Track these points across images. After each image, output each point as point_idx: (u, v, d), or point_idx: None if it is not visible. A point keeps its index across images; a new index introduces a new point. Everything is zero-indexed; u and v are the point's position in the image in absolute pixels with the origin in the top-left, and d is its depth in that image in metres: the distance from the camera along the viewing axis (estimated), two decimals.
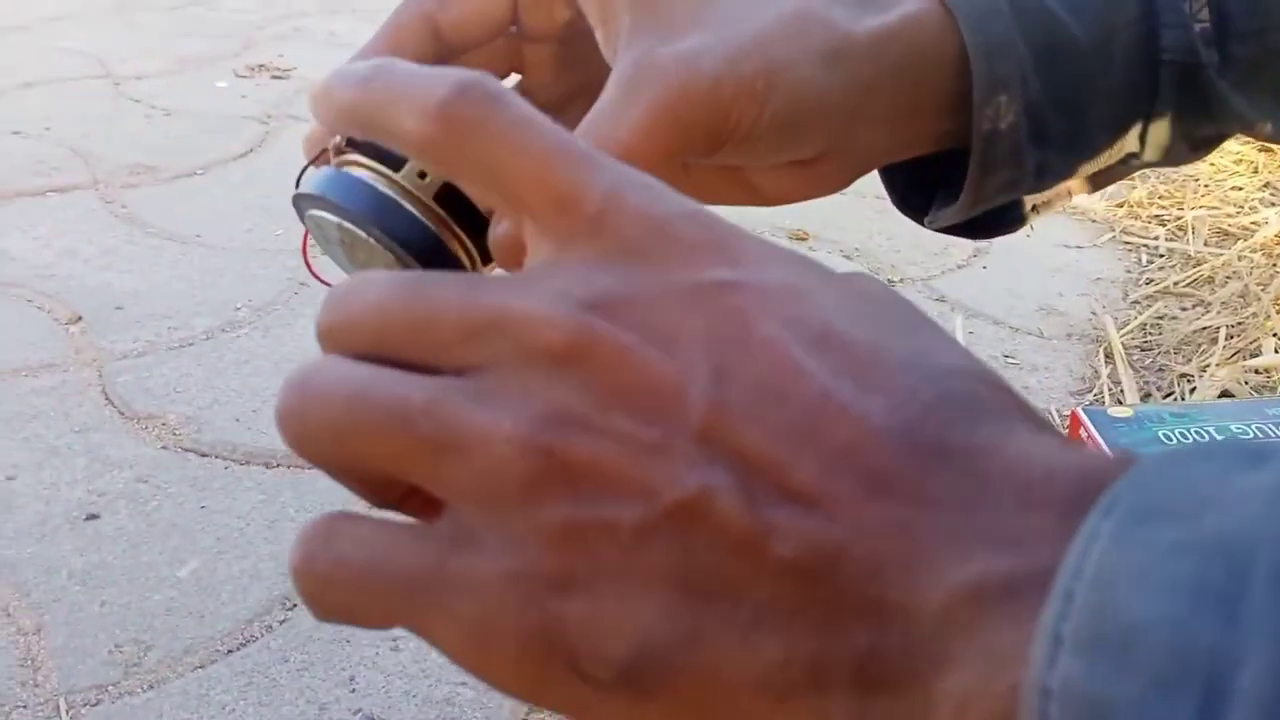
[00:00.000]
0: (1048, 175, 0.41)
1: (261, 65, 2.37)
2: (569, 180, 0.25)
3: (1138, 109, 0.42)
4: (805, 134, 0.36)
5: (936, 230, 0.44)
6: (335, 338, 0.26)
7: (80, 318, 1.48)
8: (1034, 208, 0.45)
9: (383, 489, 0.26)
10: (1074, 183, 0.44)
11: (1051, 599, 0.20)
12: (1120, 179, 0.46)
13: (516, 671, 0.23)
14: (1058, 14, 0.39)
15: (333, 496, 1.17)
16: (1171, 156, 0.44)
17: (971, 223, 0.43)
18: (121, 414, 1.31)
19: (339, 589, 0.24)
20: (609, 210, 0.25)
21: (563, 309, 0.23)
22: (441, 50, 0.37)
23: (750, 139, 0.35)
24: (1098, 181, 0.45)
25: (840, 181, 0.39)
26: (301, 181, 0.36)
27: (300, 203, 0.37)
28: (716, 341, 0.23)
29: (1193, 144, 0.43)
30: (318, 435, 0.25)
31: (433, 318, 0.24)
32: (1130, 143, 0.42)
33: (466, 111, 0.25)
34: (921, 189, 0.44)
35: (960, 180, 0.40)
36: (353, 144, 0.35)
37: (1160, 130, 0.42)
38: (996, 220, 0.44)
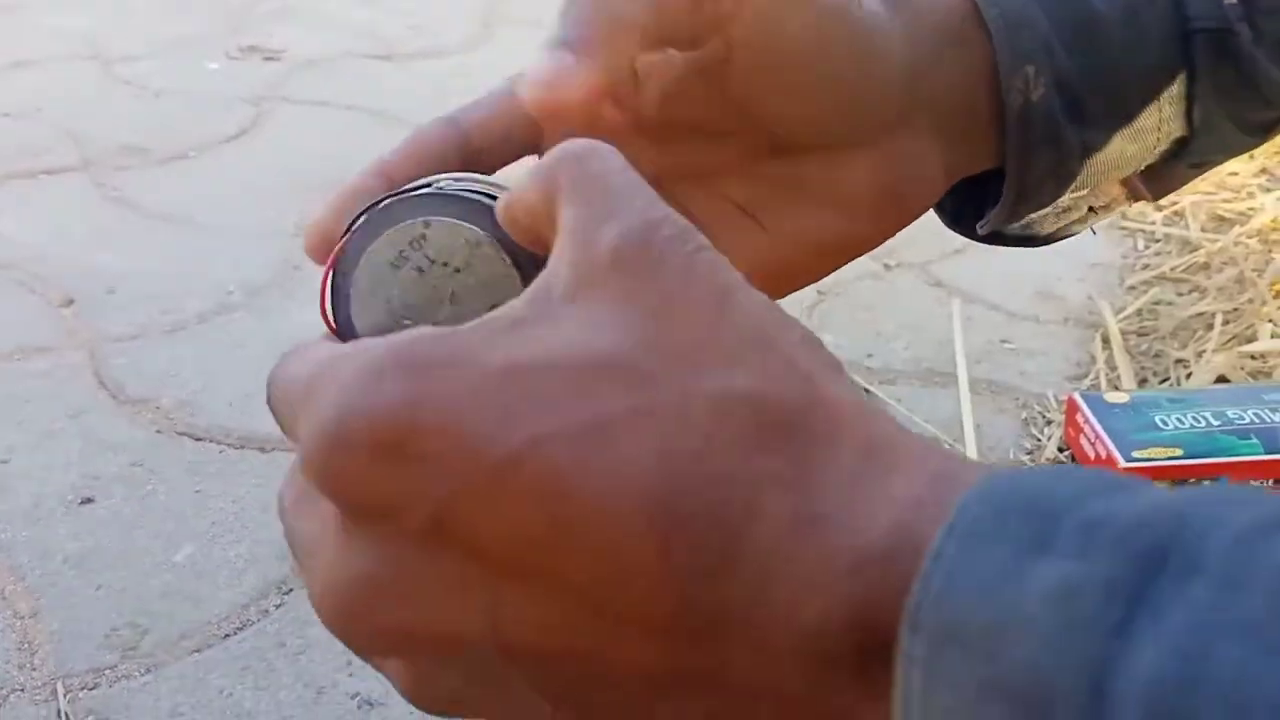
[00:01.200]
0: (1099, 158, 0.41)
1: (253, 46, 2.35)
2: (289, 407, 0.28)
3: (1175, 84, 0.41)
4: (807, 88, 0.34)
5: (988, 239, 0.43)
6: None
7: (73, 300, 1.47)
8: (1091, 210, 0.44)
9: None
10: (1132, 183, 0.44)
11: None
12: (1181, 182, 0.45)
13: None
14: None
15: None
16: (1223, 141, 0.43)
17: (1031, 232, 0.43)
18: (115, 397, 1.30)
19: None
20: (303, 428, 0.25)
21: (340, 628, 0.25)
22: (469, 157, 0.36)
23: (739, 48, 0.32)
24: (1158, 184, 0.44)
25: (899, 214, 0.38)
26: (388, 206, 0.34)
27: (373, 227, 0.34)
28: (466, 585, 0.23)
29: (1244, 127, 0.43)
30: None
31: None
32: (1175, 123, 0.42)
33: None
34: (971, 205, 0.43)
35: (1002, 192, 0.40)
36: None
37: (1206, 109, 0.42)
38: (1051, 227, 0.44)
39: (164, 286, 1.51)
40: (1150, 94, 0.41)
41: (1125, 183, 0.45)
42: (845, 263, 0.39)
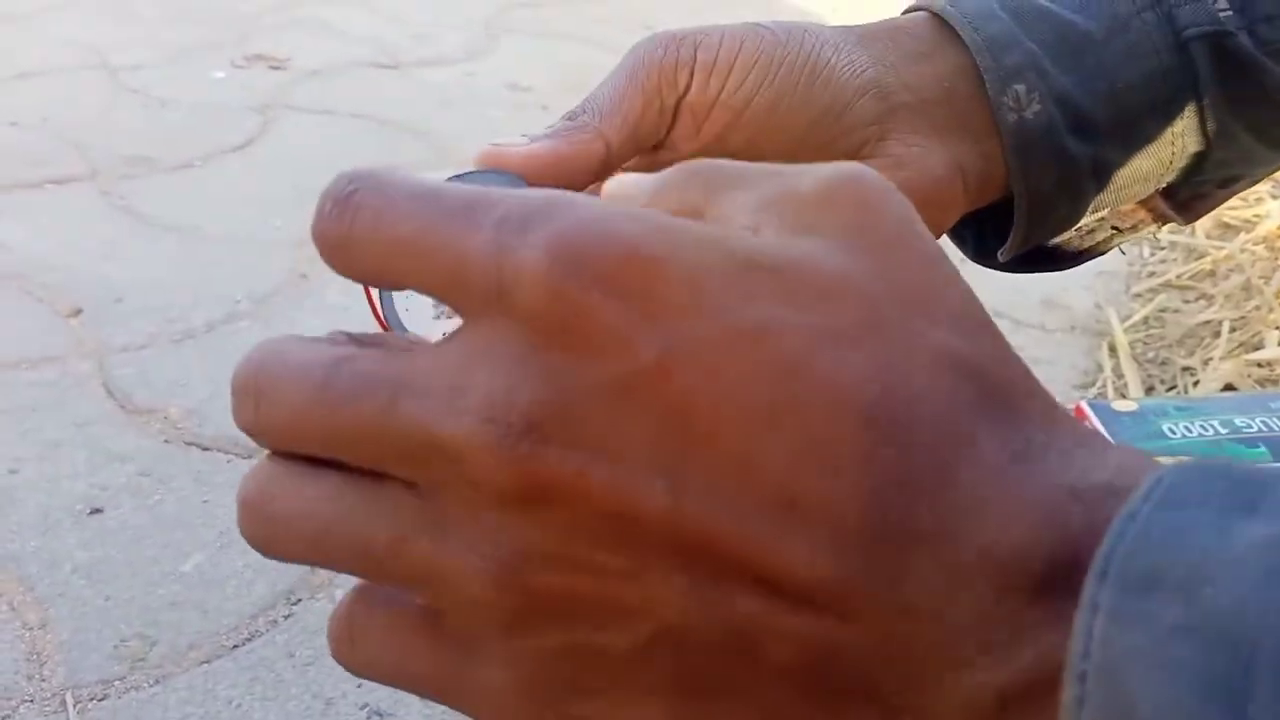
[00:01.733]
0: (1109, 173, 0.41)
1: (259, 55, 2.36)
2: (447, 251, 0.22)
3: (1182, 95, 0.41)
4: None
5: (1013, 266, 0.43)
6: (262, 431, 0.24)
7: (80, 310, 1.48)
8: (1116, 229, 0.44)
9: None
10: (1155, 204, 0.44)
11: (1066, 685, 0.20)
12: (1215, 202, 0.45)
13: None
14: (1058, 12, 0.40)
15: None
16: (1245, 154, 0.43)
17: (1052, 252, 0.43)
18: (123, 407, 1.30)
19: (377, 675, 0.25)
20: (503, 282, 0.22)
21: (497, 440, 0.21)
22: (603, 175, 0.38)
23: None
24: (1190, 206, 0.44)
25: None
26: None
27: None
28: (665, 441, 0.21)
29: (1266, 139, 0.43)
30: (291, 548, 0.24)
31: (354, 432, 0.23)
32: (1190, 137, 0.42)
33: (331, 231, 0.23)
34: (996, 240, 0.44)
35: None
36: None
37: (1220, 120, 0.42)
38: (1076, 247, 0.44)
39: (171, 296, 1.52)
40: (1154, 106, 0.41)
41: (1148, 205, 0.45)
42: None
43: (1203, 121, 0.42)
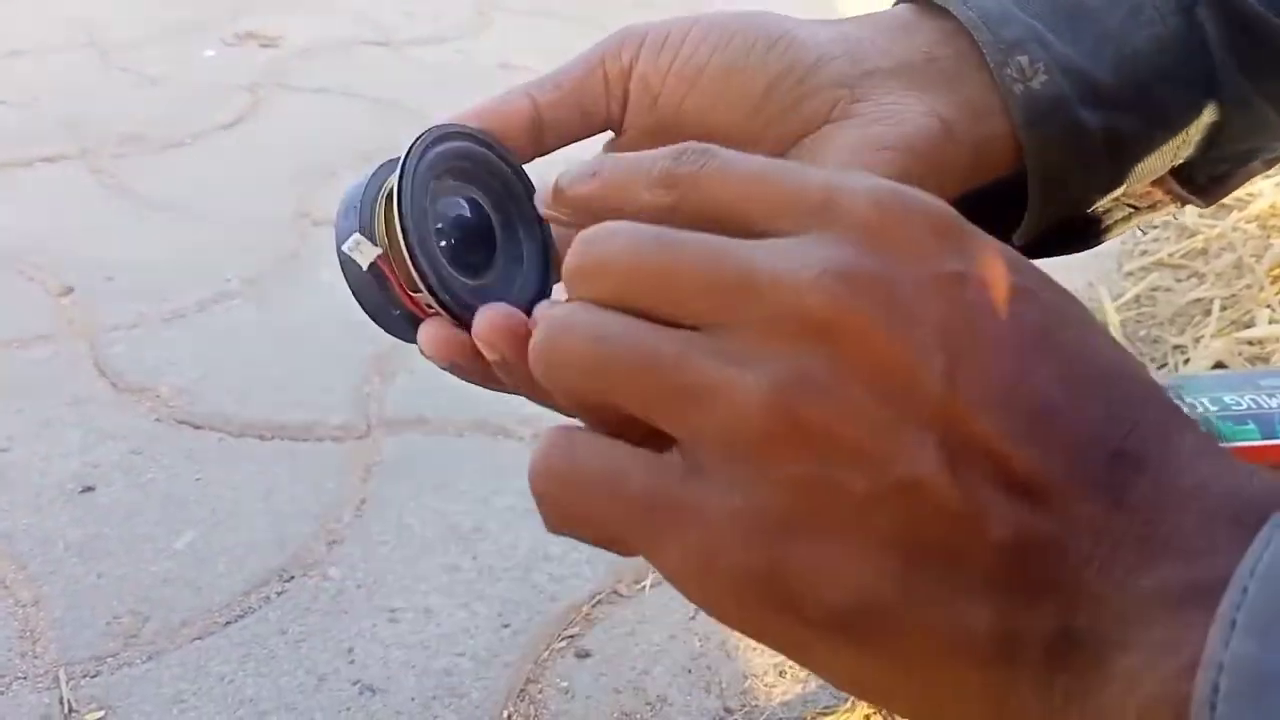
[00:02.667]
0: (1124, 145, 0.40)
1: (250, 33, 2.35)
2: (788, 182, 0.27)
3: (1193, 60, 0.40)
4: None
5: (1030, 250, 0.43)
6: (584, 282, 0.27)
7: (71, 289, 1.47)
8: (1134, 209, 0.44)
9: (623, 427, 0.28)
10: (1168, 184, 0.43)
11: (1230, 591, 0.22)
12: (1233, 184, 0.44)
13: (736, 604, 0.25)
14: None
15: (328, 466, 1.17)
16: (1264, 125, 0.42)
17: (1067, 234, 0.43)
18: (114, 386, 1.30)
19: (576, 495, 0.27)
20: (834, 196, 0.26)
21: (815, 277, 0.25)
22: (539, 136, 0.39)
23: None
24: (1208, 189, 0.44)
25: None
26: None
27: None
28: (953, 331, 0.25)
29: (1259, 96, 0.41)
30: (570, 370, 0.27)
31: (680, 272, 0.26)
32: (1206, 107, 0.40)
33: (683, 170, 0.28)
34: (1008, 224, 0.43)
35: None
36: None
37: (1233, 85, 0.40)
38: (1091, 227, 0.44)
39: (162, 275, 1.51)
40: (1165, 73, 0.40)
41: (1166, 187, 0.44)
42: None
43: (1216, 88, 0.40)
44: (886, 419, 0.24)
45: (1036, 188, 0.39)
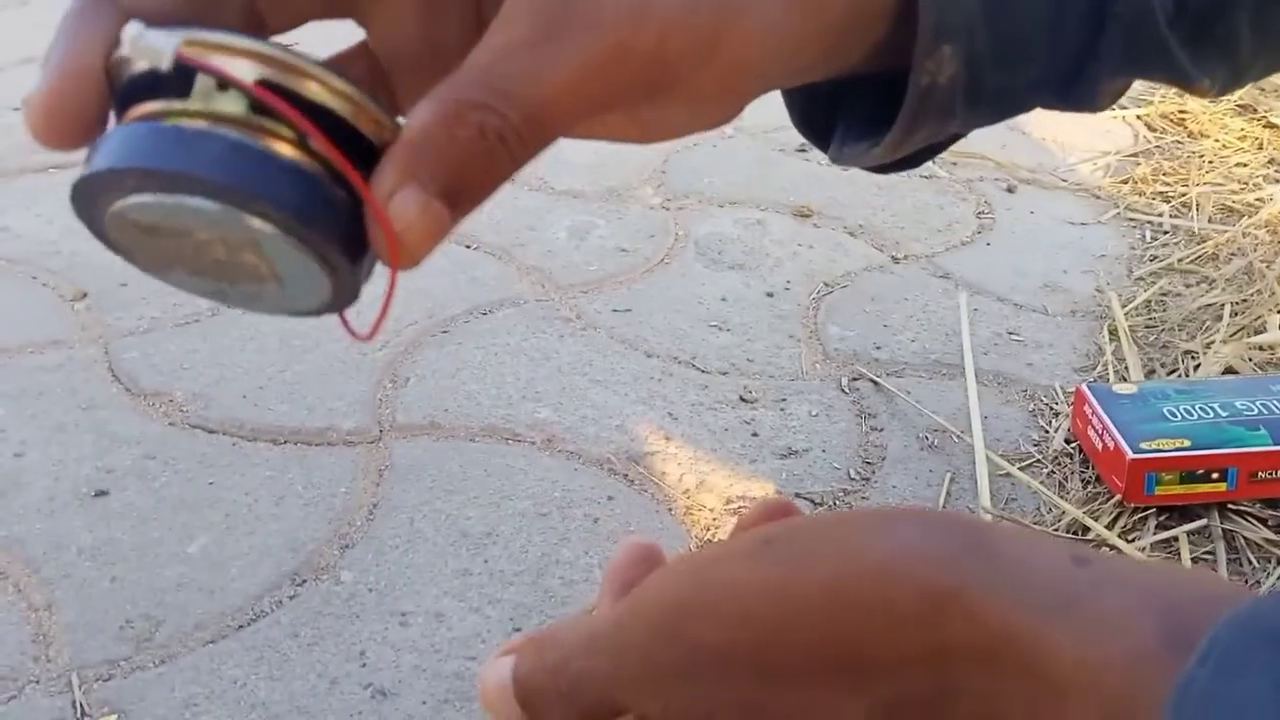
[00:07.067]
0: (971, 127, 0.38)
1: None
2: None
3: (1081, 61, 0.37)
4: (745, 90, 0.32)
5: (841, 164, 0.39)
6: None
7: (85, 294, 1.48)
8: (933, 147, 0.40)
9: None
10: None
11: None
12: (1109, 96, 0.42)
13: None
14: None
15: (340, 471, 1.18)
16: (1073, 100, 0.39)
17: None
18: (128, 391, 1.31)
19: None
20: None
21: None
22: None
23: (687, 98, 0.31)
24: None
25: (733, 112, 0.34)
26: (94, 159, 0.26)
27: (94, 192, 0.26)
28: None
29: (1105, 94, 0.39)
30: None
31: None
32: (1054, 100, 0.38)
33: None
34: (822, 106, 0.40)
35: (865, 107, 0.38)
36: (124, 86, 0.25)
37: (1090, 85, 0.38)
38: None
39: None
40: (1051, 76, 0.37)
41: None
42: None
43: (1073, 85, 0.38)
44: None
45: (886, 151, 0.37)
